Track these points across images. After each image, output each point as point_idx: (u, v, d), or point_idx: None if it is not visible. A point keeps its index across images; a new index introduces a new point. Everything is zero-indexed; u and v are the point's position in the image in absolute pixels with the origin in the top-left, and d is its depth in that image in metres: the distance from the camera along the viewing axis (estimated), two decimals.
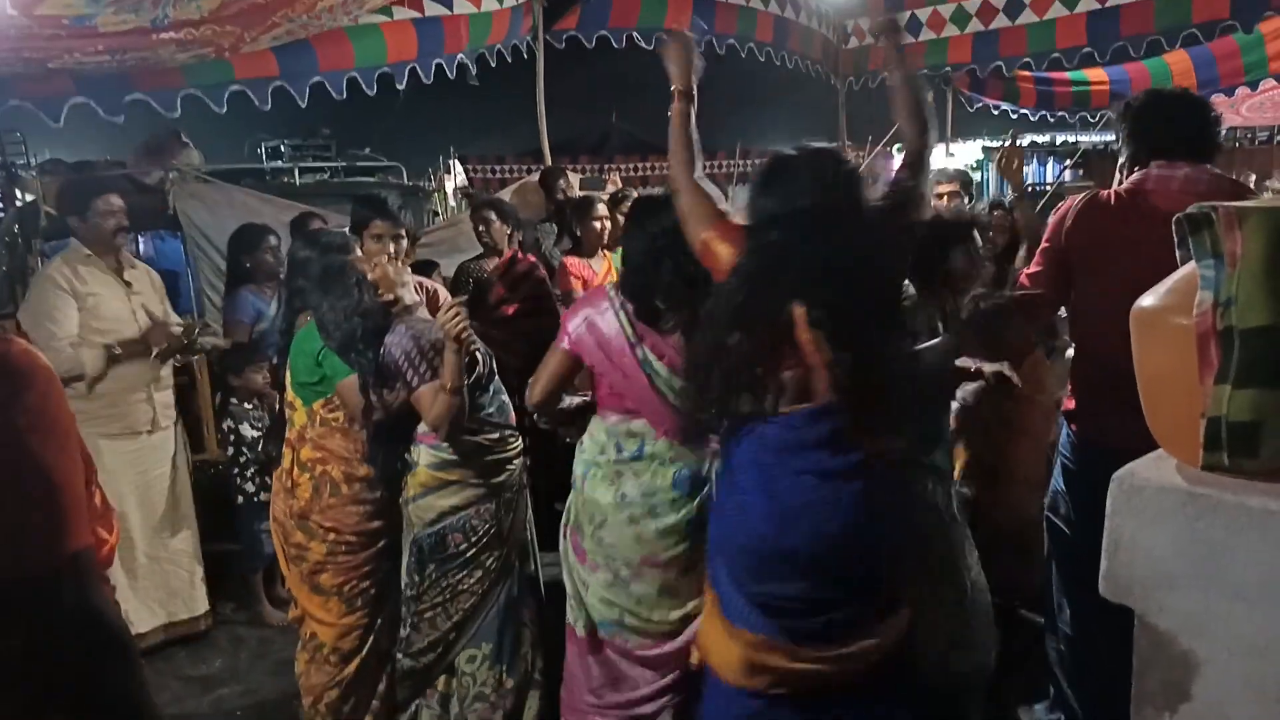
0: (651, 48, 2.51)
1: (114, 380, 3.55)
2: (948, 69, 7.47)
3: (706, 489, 2.52)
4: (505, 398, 2.95)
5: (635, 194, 5.12)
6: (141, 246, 6.61)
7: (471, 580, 2.79)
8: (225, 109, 4.56)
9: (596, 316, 2.51)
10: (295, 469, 2.83)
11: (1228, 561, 1.18)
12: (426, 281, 3.80)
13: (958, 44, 7.23)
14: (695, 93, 2.32)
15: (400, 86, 5.16)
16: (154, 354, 3.63)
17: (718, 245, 2.13)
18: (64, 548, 1.17)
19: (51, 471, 1.17)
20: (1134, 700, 1.30)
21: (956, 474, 3.20)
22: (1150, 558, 1.25)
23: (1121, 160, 2.71)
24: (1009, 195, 7.42)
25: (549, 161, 6.74)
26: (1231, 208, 1.14)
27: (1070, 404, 2.71)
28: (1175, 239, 1.22)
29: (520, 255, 4.57)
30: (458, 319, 2.55)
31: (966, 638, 2.56)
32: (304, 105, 4.85)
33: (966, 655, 2.55)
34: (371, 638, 2.89)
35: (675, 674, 2.56)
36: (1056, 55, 6.70)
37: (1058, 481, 2.78)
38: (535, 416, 2.70)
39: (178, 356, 3.86)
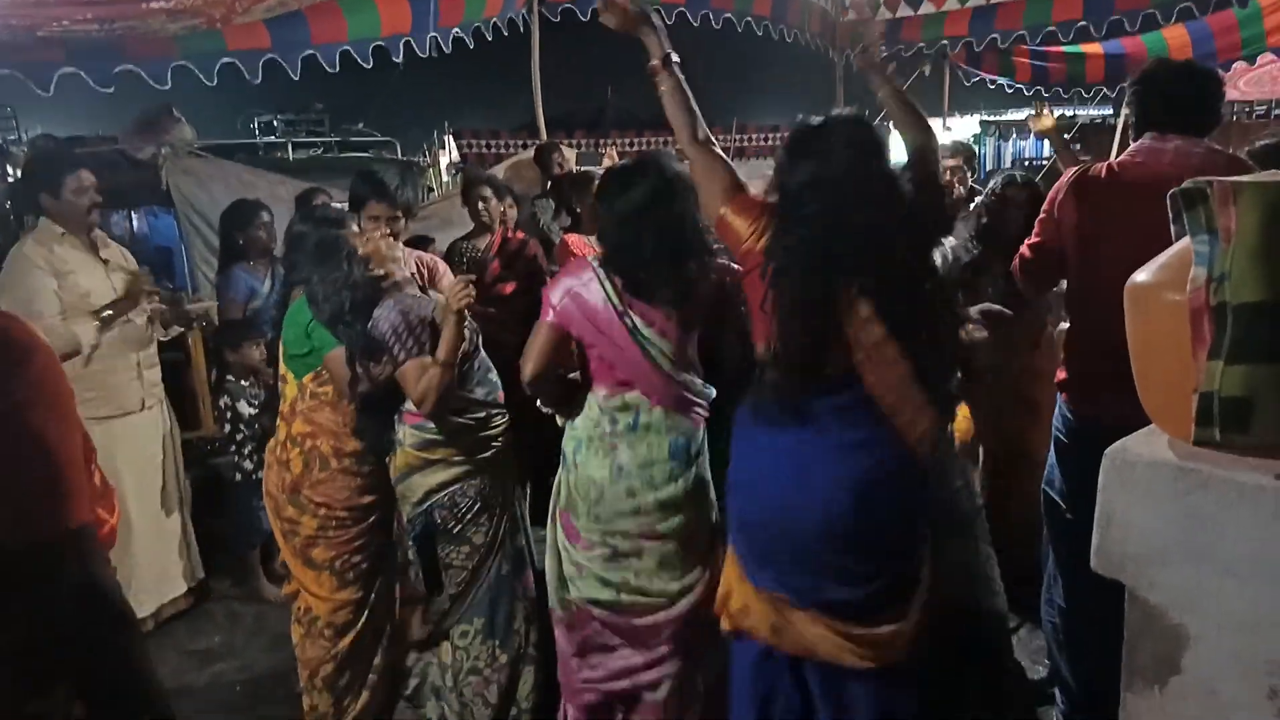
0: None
1: (103, 360, 3.52)
2: (944, 42, 7.41)
3: (702, 458, 2.52)
4: (494, 376, 2.94)
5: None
6: (135, 223, 6.58)
7: (460, 556, 2.79)
8: (216, 82, 4.48)
9: (580, 287, 2.46)
10: (287, 443, 2.83)
11: (1218, 537, 1.18)
12: (426, 256, 3.78)
13: (955, 18, 7.17)
14: (674, 57, 2.29)
15: (397, 60, 5.10)
16: (145, 316, 3.61)
17: (735, 220, 2.11)
18: (66, 521, 1.18)
19: (53, 445, 1.18)
20: (1124, 673, 1.31)
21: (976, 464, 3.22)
22: (1141, 533, 1.25)
23: (1122, 128, 2.72)
24: (1015, 168, 7.43)
25: (544, 137, 6.70)
26: (1226, 183, 1.13)
27: (1062, 375, 2.71)
28: (1170, 214, 1.21)
29: (511, 233, 4.53)
30: (466, 293, 2.56)
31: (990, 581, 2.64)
32: (296, 77, 4.78)
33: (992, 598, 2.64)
34: (366, 612, 2.89)
35: (672, 643, 2.55)
36: (1052, 29, 6.65)
37: (1052, 456, 2.79)
38: (537, 401, 2.69)
39: (165, 330, 3.84)
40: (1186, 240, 1.21)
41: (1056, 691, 2.86)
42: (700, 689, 2.61)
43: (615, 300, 2.43)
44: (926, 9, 7.22)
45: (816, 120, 2.09)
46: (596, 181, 4.62)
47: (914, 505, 2.11)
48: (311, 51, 4.72)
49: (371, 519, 2.88)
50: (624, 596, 2.53)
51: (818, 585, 2.06)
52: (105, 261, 3.63)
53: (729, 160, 2.29)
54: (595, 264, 2.48)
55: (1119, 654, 1.33)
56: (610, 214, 2.49)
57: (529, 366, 2.53)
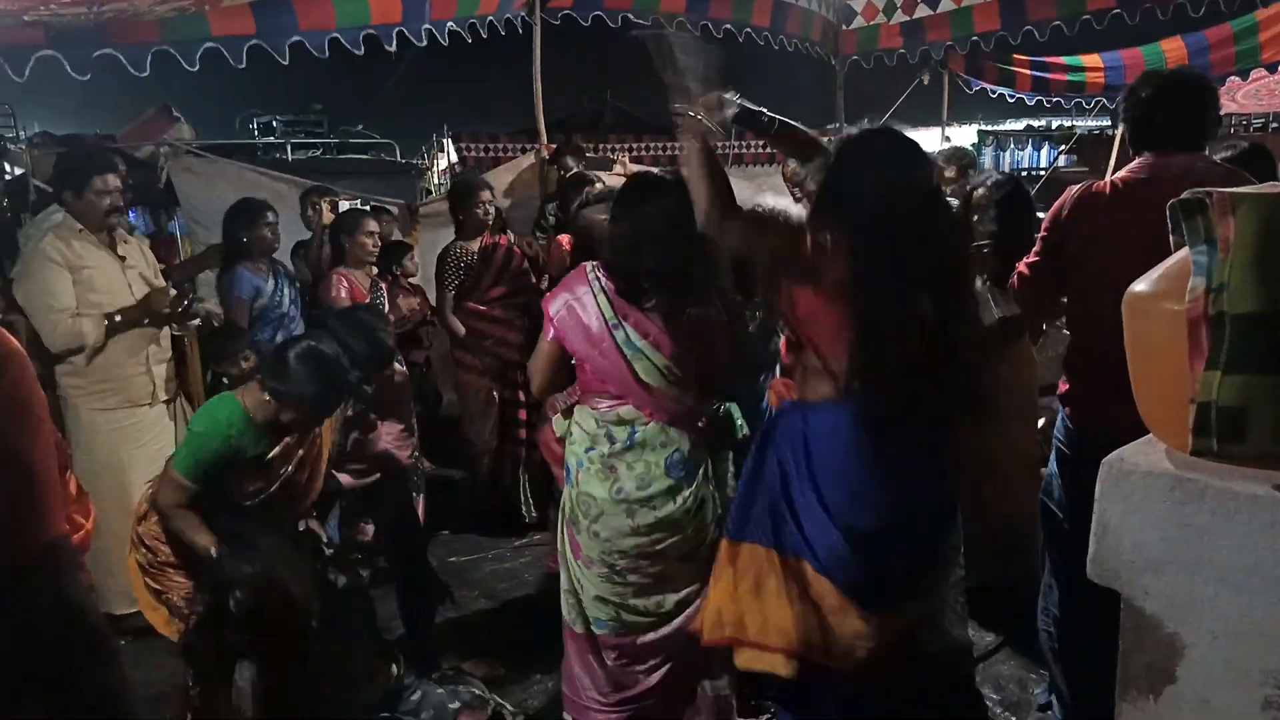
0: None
1: (111, 353, 3.53)
2: (976, 38, 7.31)
3: (701, 472, 2.51)
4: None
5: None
6: (144, 225, 6.58)
7: None
8: (198, 68, 4.41)
9: (574, 301, 2.46)
10: None
11: (1213, 546, 1.18)
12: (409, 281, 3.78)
13: (983, 11, 7.03)
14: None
15: (390, 48, 5.04)
16: (147, 321, 3.61)
17: (804, 268, 2.05)
18: (38, 537, 1.14)
19: (24, 458, 1.14)
20: (1119, 682, 1.31)
21: None
22: (1137, 542, 1.26)
23: (1119, 140, 2.73)
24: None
25: (544, 140, 6.70)
26: (1225, 193, 1.14)
27: (1064, 387, 2.72)
28: (1169, 225, 1.22)
29: (490, 238, 4.64)
30: None
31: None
32: (285, 62, 4.71)
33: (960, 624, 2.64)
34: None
35: (676, 657, 2.54)
36: (1087, 17, 6.52)
37: (1051, 465, 2.79)
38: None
39: (174, 325, 3.84)
40: (1185, 251, 1.22)
41: (1052, 699, 2.86)
42: (711, 696, 2.59)
43: (608, 311, 2.42)
44: (946, 5, 7.13)
45: (869, 137, 2.12)
46: (588, 186, 4.69)
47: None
48: (299, 38, 4.67)
49: None
50: (624, 615, 2.52)
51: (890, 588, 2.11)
52: (122, 259, 3.65)
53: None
54: (592, 275, 2.48)
55: (1115, 663, 1.33)
56: (621, 218, 2.49)
57: (536, 382, 2.57)
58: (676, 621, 2.51)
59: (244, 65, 4.58)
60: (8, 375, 1.14)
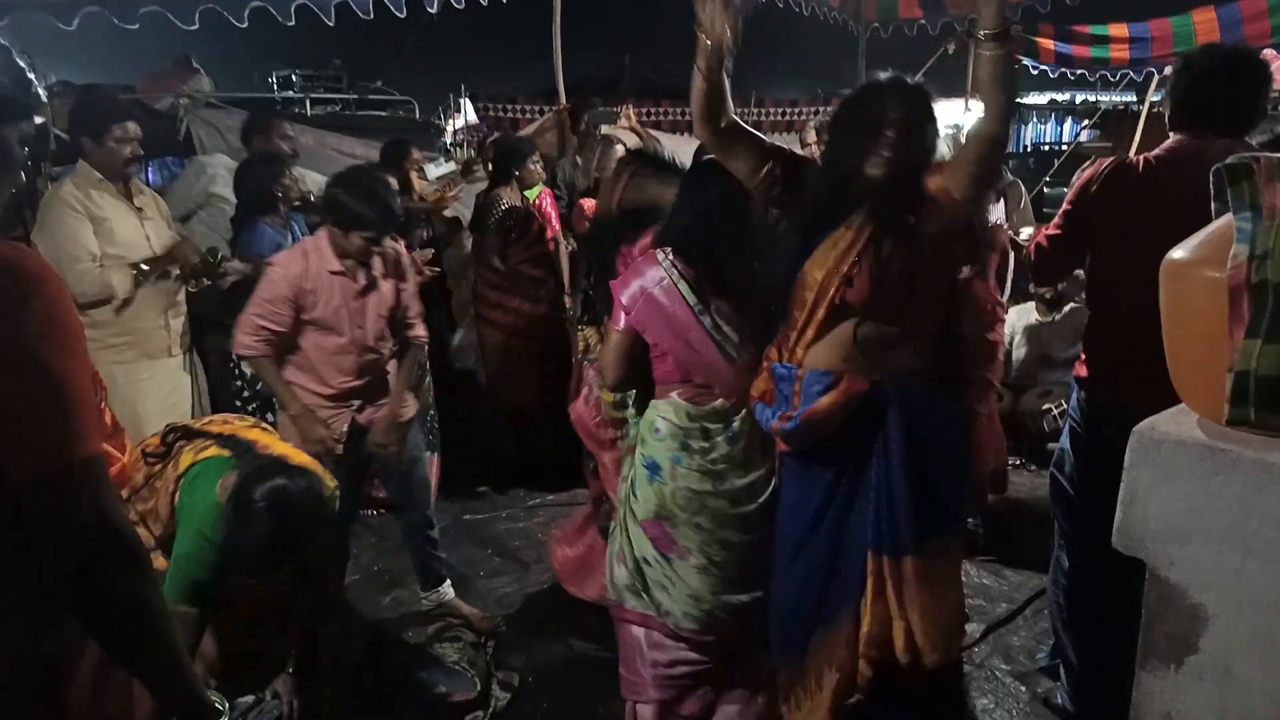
0: None
1: (133, 305, 3.53)
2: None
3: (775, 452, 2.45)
4: None
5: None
6: (151, 175, 6.55)
7: None
8: (247, 24, 4.37)
9: (653, 288, 2.37)
10: None
11: (1243, 517, 1.18)
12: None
13: None
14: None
15: (400, 14, 4.97)
16: (175, 275, 3.61)
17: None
18: (77, 450, 1.16)
19: (64, 375, 1.16)
20: (1140, 651, 1.31)
21: None
22: (1165, 511, 1.25)
23: (1146, 116, 2.67)
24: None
25: (564, 102, 6.65)
26: (1274, 159, 1.12)
27: (1082, 370, 2.70)
28: (1212, 190, 1.20)
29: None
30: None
31: None
32: (331, 23, 4.64)
33: None
34: None
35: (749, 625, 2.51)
36: None
37: (1064, 441, 2.79)
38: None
39: (194, 281, 3.83)
40: (1226, 218, 1.20)
41: (1060, 670, 2.87)
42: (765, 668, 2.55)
43: (692, 299, 2.36)
44: None
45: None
46: (618, 148, 4.65)
47: None
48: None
49: None
50: (717, 614, 2.45)
51: None
52: (140, 210, 3.64)
53: None
54: (666, 262, 2.40)
55: (1122, 634, 1.33)
56: (693, 205, 2.42)
57: (610, 375, 2.49)
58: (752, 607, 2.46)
59: (293, 21, 4.52)
60: (44, 293, 1.16)
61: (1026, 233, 3.76)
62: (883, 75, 2.19)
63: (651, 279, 2.39)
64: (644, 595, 2.51)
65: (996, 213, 4.80)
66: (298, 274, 3.06)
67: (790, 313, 2.19)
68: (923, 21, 7.41)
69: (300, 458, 2.51)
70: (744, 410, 2.39)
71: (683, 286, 2.36)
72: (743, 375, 2.37)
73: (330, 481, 2.47)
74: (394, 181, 3.84)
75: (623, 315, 2.41)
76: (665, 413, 2.44)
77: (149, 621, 1.26)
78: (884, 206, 2.09)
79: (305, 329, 3.11)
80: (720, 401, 2.40)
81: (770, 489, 2.43)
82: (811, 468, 2.23)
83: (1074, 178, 2.73)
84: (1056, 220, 2.72)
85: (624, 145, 4.75)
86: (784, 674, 2.33)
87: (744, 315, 2.40)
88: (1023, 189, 4.91)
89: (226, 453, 2.45)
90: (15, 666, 1.19)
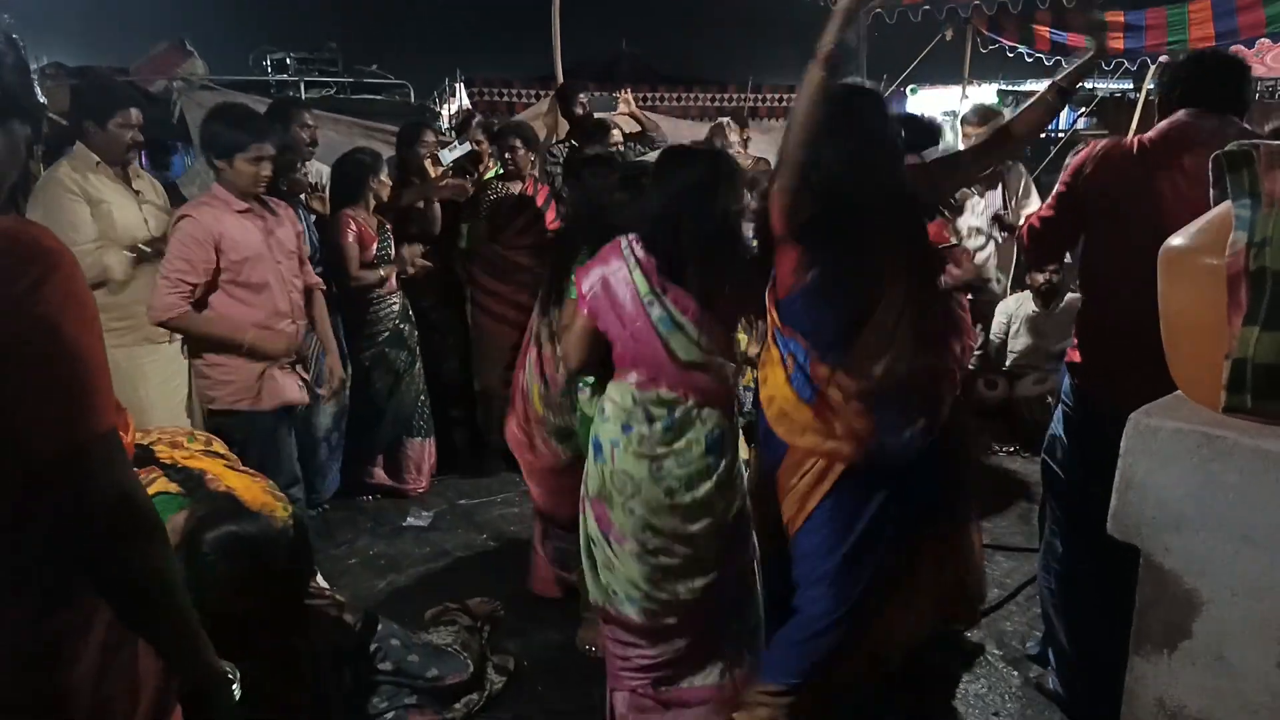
0: None
1: (132, 288, 3.51)
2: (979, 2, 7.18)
3: (734, 449, 2.47)
4: None
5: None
6: (143, 159, 6.52)
7: None
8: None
9: (610, 275, 2.38)
10: None
11: (1239, 504, 1.18)
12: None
13: None
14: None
15: None
16: None
17: None
18: (94, 425, 1.17)
19: (85, 350, 1.17)
20: (1133, 636, 1.32)
21: None
22: (1161, 498, 1.26)
23: (1143, 103, 2.69)
24: None
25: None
26: (1274, 147, 1.12)
27: (1074, 356, 2.70)
28: (1211, 177, 1.20)
29: (531, 185, 4.64)
30: None
31: None
32: None
33: None
34: None
35: (698, 626, 2.51)
36: None
37: (1056, 427, 2.79)
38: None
39: None
40: (1224, 206, 1.20)
41: (1050, 654, 2.89)
42: (743, 651, 2.56)
43: (643, 287, 2.35)
44: None
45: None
46: (614, 133, 4.63)
47: None
48: None
49: None
50: (655, 596, 2.46)
51: None
52: (137, 193, 3.63)
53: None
54: (627, 249, 2.40)
55: (1113, 619, 1.34)
56: (662, 190, 2.42)
57: (571, 358, 2.51)
58: (702, 602, 2.46)
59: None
60: (62, 269, 1.16)
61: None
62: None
63: (610, 267, 2.40)
64: (597, 580, 2.55)
65: (992, 201, 4.82)
66: (210, 219, 3.09)
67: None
68: (927, 7, 7.39)
69: (251, 493, 2.38)
70: (691, 403, 2.39)
71: (636, 275, 2.35)
72: (695, 369, 2.36)
73: (283, 512, 2.38)
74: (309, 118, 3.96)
75: (582, 300, 2.43)
76: (612, 394, 2.47)
77: (166, 591, 1.27)
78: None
79: (225, 283, 3.16)
80: (667, 390, 2.39)
81: (716, 484, 2.42)
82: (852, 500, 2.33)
83: (1067, 161, 2.74)
84: (1050, 201, 2.72)
85: (619, 129, 4.72)
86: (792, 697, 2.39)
87: (710, 307, 2.38)
88: (1023, 171, 4.91)
89: (175, 488, 2.33)
90: (22, 645, 1.20)
